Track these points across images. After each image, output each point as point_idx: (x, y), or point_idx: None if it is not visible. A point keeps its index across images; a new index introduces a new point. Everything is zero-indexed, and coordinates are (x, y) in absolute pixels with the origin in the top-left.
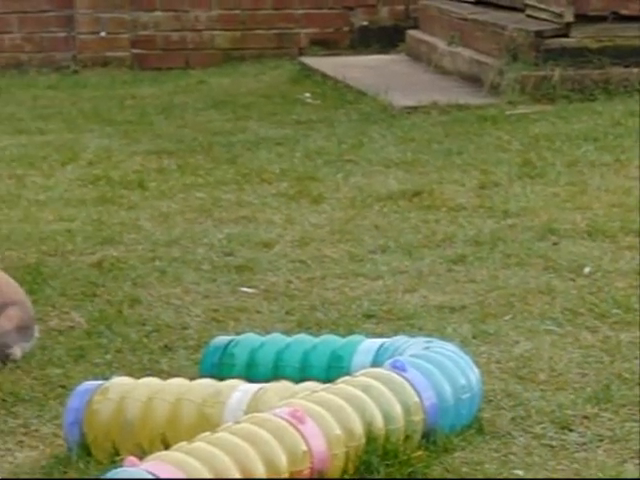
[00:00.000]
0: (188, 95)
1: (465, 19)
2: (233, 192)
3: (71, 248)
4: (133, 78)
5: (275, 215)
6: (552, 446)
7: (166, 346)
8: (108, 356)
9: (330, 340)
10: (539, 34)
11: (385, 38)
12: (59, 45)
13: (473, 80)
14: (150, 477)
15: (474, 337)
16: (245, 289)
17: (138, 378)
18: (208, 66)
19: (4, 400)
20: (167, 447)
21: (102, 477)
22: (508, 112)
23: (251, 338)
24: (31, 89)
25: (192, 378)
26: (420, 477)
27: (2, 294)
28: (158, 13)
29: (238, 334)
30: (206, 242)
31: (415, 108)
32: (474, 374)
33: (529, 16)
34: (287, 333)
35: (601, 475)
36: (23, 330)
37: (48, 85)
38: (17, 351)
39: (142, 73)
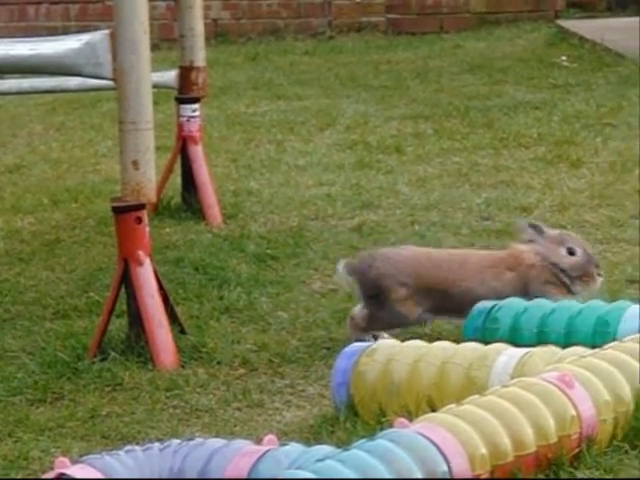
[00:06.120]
0: (443, 59)
1: None
2: (490, 156)
3: (331, 212)
4: (388, 43)
5: (533, 179)
6: None
7: None
8: None
9: (595, 305)
10: None
11: None
12: (315, 11)
13: None
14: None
15: None
16: None
17: (402, 341)
18: (462, 30)
19: (271, 361)
20: (433, 409)
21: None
22: None
23: (515, 302)
24: (288, 55)
25: (455, 341)
26: None
27: None
28: None
29: None
30: (464, 206)
31: None
32: None
33: None
34: None
35: None
36: None
37: (305, 51)
38: None
39: (396, 38)
